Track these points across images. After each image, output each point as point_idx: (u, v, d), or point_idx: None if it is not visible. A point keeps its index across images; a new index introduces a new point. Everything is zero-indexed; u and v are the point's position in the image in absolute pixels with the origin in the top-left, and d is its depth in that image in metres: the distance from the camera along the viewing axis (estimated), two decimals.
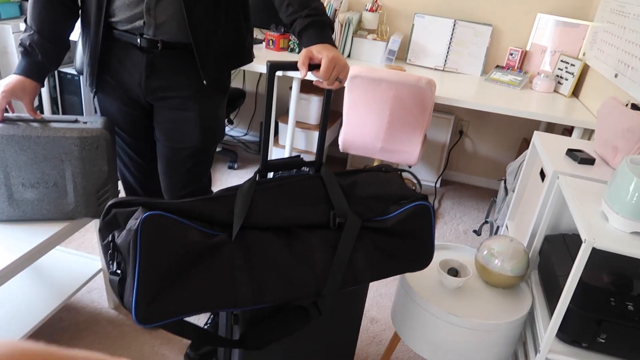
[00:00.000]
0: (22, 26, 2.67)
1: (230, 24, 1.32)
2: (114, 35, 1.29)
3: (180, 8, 1.23)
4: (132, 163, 1.53)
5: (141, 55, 1.29)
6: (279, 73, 2.49)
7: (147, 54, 1.29)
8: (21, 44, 1.27)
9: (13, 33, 2.69)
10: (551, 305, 1.27)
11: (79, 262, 1.70)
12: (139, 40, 1.26)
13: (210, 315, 1.72)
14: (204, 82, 1.32)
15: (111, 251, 0.92)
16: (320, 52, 1.07)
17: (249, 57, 1.45)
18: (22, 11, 2.85)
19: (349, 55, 2.85)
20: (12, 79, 1.25)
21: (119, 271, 0.91)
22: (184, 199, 0.98)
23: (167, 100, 1.36)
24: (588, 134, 2.23)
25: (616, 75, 2.06)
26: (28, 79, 1.27)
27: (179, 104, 1.36)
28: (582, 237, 1.05)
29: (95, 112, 1.47)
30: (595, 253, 1.19)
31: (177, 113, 1.37)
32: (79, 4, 1.32)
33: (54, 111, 2.91)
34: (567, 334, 1.17)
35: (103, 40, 1.29)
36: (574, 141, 1.69)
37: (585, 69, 2.52)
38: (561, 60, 2.61)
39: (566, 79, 2.57)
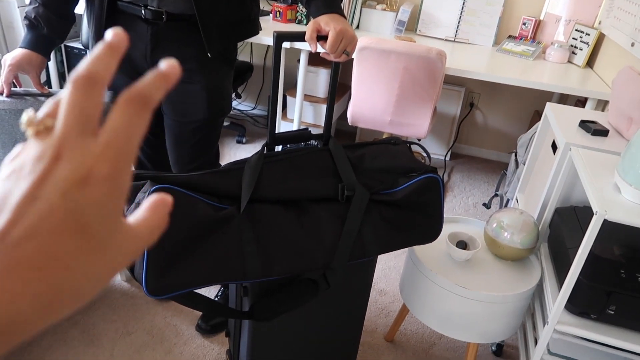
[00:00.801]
0: (27, 0, 2.66)
1: None
2: (118, 8, 1.27)
3: None
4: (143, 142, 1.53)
5: (146, 27, 1.28)
6: (286, 45, 2.45)
7: (152, 25, 1.27)
8: (26, 17, 1.26)
9: (18, 7, 2.67)
10: (560, 277, 1.27)
11: None
12: (143, 12, 1.25)
13: (221, 288, 1.74)
14: (209, 54, 1.31)
15: None
16: (328, 23, 1.05)
17: (255, 29, 1.43)
18: None
19: (357, 27, 2.79)
20: (18, 52, 1.25)
21: None
22: (192, 172, 0.98)
23: None
24: (602, 105, 2.18)
25: (633, 44, 2.00)
26: (34, 53, 1.26)
27: (185, 77, 1.35)
28: (594, 209, 1.04)
29: None
30: (607, 225, 1.18)
31: (183, 86, 1.36)
32: None
33: (62, 86, 2.90)
34: (576, 305, 1.17)
35: (107, 13, 1.27)
36: (587, 112, 1.66)
37: (600, 39, 2.45)
38: (576, 30, 2.54)
39: (580, 49, 2.50)
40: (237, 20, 1.35)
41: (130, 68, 1.37)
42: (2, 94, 1.25)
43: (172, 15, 1.26)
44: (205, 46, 1.30)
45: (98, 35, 1.31)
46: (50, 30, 1.27)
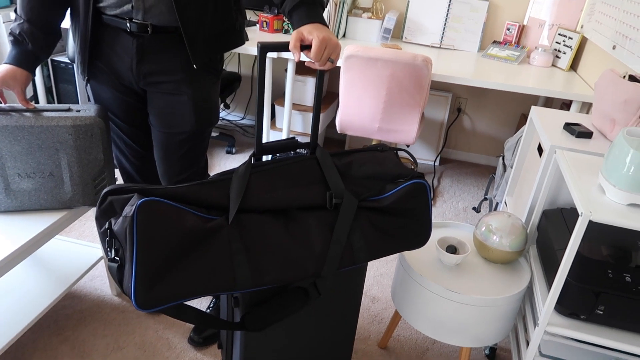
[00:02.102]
0: (13, 16, 2.65)
1: (219, 6, 1.30)
2: (103, 21, 1.28)
3: None
4: (128, 149, 1.53)
5: (131, 40, 1.28)
6: (273, 55, 2.46)
7: (137, 38, 1.27)
8: (11, 33, 1.26)
9: (4, 22, 2.66)
10: (550, 279, 1.28)
11: (79, 251, 1.71)
12: (128, 25, 1.25)
13: (213, 299, 1.73)
14: (194, 66, 1.31)
15: (108, 238, 0.92)
16: (311, 32, 1.06)
17: (240, 40, 1.43)
18: (12, 0, 2.81)
19: (344, 35, 2.81)
20: (3, 68, 1.24)
21: (117, 258, 0.91)
22: (181, 183, 0.98)
23: (159, 85, 1.35)
24: (587, 107, 2.21)
25: (614, 47, 2.03)
26: (19, 68, 1.26)
27: (171, 89, 1.35)
28: (579, 211, 1.05)
29: (89, 99, 1.46)
30: (593, 226, 1.20)
31: (170, 98, 1.36)
32: None
33: (49, 100, 2.89)
34: (566, 306, 1.18)
35: (93, 26, 1.27)
36: (572, 115, 1.68)
37: (583, 42, 2.49)
38: (559, 34, 2.58)
39: (564, 53, 2.54)
40: (222, 31, 1.35)
41: (116, 81, 1.37)
42: None
43: (157, 28, 1.26)
44: (190, 58, 1.30)
45: (83, 49, 1.31)
46: (35, 46, 1.27)
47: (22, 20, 1.26)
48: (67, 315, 1.69)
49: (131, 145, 1.52)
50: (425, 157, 3.10)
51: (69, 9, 1.32)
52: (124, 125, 1.47)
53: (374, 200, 1.10)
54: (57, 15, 1.31)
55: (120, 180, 1.63)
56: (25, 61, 1.27)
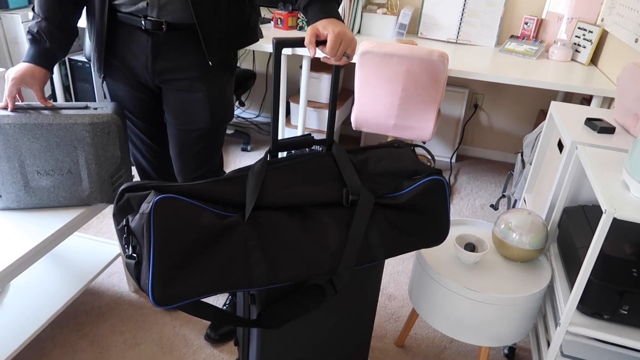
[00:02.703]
0: (31, 15, 2.69)
1: (233, 3, 1.30)
2: (118, 19, 1.28)
3: None
4: (145, 147, 1.54)
5: (146, 38, 1.28)
6: (288, 52, 2.45)
7: (152, 36, 1.28)
8: (29, 32, 1.27)
9: (22, 22, 2.70)
10: (571, 277, 1.25)
11: (97, 247, 1.73)
12: (143, 23, 1.25)
13: (229, 296, 1.74)
14: (210, 62, 1.31)
15: (126, 235, 0.93)
16: (326, 27, 1.04)
17: (254, 37, 1.43)
18: (30, 0, 2.85)
19: (359, 31, 2.79)
20: (21, 66, 1.26)
21: (134, 255, 0.92)
22: (197, 180, 0.98)
23: (174, 83, 1.35)
24: (608, 102, 2.16)
25: (637, 40, 1.98)
26: (37, 67, 1.27)
27: (186, 86, 1.35)
28: (603, 208, 1.03)
29: (105, 97, 1.47)
30: (616, 223, 1.17)
31: (185, 95, 1.36)
32: None
33: (67, 99, 2.93)
34: (588, 306, 1.16)
35: (108, 24, 1.28)
36: (593, 110, 1.65)
37: (603, 36, 2.43)
38: (578, 28, 2.53)
39: (584, 47, 2.49)
40: (237, 28, 1.35)
41: (132, 78, 1.37)
42: (6, 108, 1.26)
43: (171, 25, 1.26)
44: (205, 55, 1.30)
45: (99, 48, 1.32)
46: (52, 44, 1.28)
47: (39, 19, 1.27)
48: (86, 311, 1.71)
49: (147, 142, 1.52)
50: (441, 153, 3.07)
51: (85, 7, 1.33)
52: (139, 123, 1.47)
53: (391, 197, 1.08)
54: (74, 13, 1.31)
55: (137, 178, 1.64)
56: (44, 59, 1.28)
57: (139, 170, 1.62)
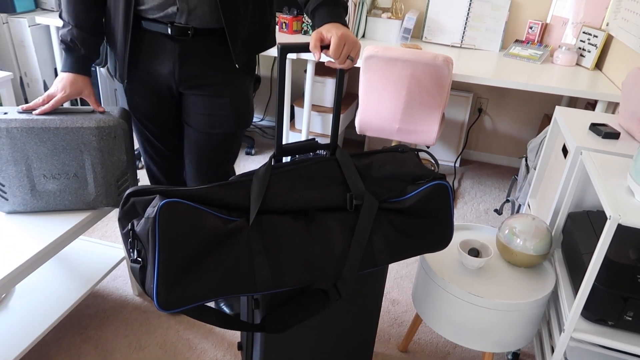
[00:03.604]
0: (39, 19, 2.71)
1: (257, 6, 1.32)
2: (142, 26, 1.28)
3: None
4: (156, 152, 1.53)
5: (172, 45, 1.28)
6: (293, 56, 2.46)
7: (178, 42, 1.28)
8: (62, 41, 1.29)
9: (29, 26, 2.72)
10: (575, 283, 1.25)
11: (102, 251, 1.74)
12: (169, 29, 1.25)
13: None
14: (236, 65, 1.32)
15: (131, 239, 0.93)
16: (329, 30, 1.05)
17: (273, 40, 1.45)
18: (37, 4, 2.87)
19: (363, 35, 2.80)
20: (65, 78, 1.30)
21: (139, 259, 0.92)
22: (212, 181, 0.99)
23: (200, 88, 1.36)
24: (612, 107, 2.16)
25: None
26: (79, 75, 1.31)
27: (211, 91, 1.36)
28: (607, 214, 1.02)
29: (117, 103, 1.48)
30: (621, 229, 1.16)
31: (210, 99, 1.38)
32: None
33: (73, 103, 2.95)
34: (593, 312, 1.15)
35: (132, 32, 1.27)
36: (598, 115, 1.64)
37: (608, 40, 2.43)
38: (583, 32, 2.52)
39: (589, 51, 2.48)
40: (259, 30, 1.37)
41: (154, 85, 1.37)
42: (32, 110, 1.28)
43: (198, 30, 1.27)
44: (232, 58, 1.31)
45: (122, 55, 1.30)
46: (87, 50, 1.30)
47: (70, 26, 1.28)
48: (90, 314, 1.72)
49: (160, 148, 1.52)
50: (445, 158, 3.07)
51: (105, 18, 1.33)
52: (156, 130, 1.47)
53: (395, 201, 1.08)
54: (101, 14, 1.32)
55: (142, 182, 1.65)
56: (82, 67, 1.32)
57: (150, 176, 1.63)
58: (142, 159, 1.54)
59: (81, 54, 1.30)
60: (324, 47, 1.06)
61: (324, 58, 2.12)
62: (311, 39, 1.05)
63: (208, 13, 1.25)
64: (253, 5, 1.31)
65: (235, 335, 1.67)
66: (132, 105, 1.43)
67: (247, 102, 1.45)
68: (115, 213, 2.24)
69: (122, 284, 1.87)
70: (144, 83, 1.37)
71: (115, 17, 1.28)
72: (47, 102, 1.29)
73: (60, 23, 1.32)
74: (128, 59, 1.31)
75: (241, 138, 1.51)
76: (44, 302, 1.50)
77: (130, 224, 0.94)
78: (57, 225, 1.33)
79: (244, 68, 1.37)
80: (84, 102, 2.94)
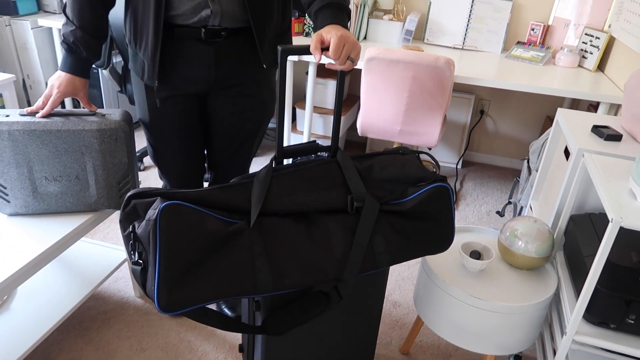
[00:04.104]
0: (41, 22, 2.72)
1: (281, 6, 1.33)
2: (172, 30, 1.26)
3: None
4: (175, 155, 1.49)
5: (207, 48, 1.27)
6: (294, 58, 2.47)
7: (212, 44, 1.27)
8: (64, 41, 1.27)
9: (32, 29, 2.73)
10: (577, 286, 1.24)
11: (104, 253, 1.74)
12: (202, 33, 1.24)
13: None
14: (264, 65, 1.34)
15: (132, 241, 0.93)
16: (329, 32, 1.05)
17: (290, 41, 1.46)
18: (40, 7, 2.88)
19: (365, 37, 2.80)
20: (62, 78, 1.29)
21: (140, 261, 0.92)
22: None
23: (231, 88, 1.37)
24: (615, 109, 2.15)
25: None
26: (77, 77, 1.31)
27: (241, 90, 1.38)
28: (609, 216, 1.02)
29: (119, 105, 1.48)
30: (623, 232, 1.16)
31: (240, 98, 1.39)
32: None
33: (75, 105, 2.95)
34: (595, 315, 1.15)
35: (163, 36, 1.24)
36: (600, 117, 1.64)
37: (611, 42, 2.43)
38: (585, 34, 2.52)
39: (591, 53, 2.48)
40: (283, 30, 1.39)
41: (183, 88, 1.35)
42: (36, 112, 1.28)
43: (230, 31, 1.27)
44: (259, 57, 1.32)
45: (153, 60, 1.26)
46: (89, 53, 1.29)
47: (74, 27, 1.26)
48: (92, 316, 1.72)
49: (178, 150, 1.48)
50: (447, 159, 3.06)
51: (129, 21, 1.30)
52: (179, 133, 1.43)
53: (396, 203, 1.08)
54: (107, 17, 1.32)
55: (144, 184, 1.64)
56: (81, 69, 1.31)
57: (166, 180, 1.59)
58: (152, 159, 1.53)
59: (82, 57, 1.29)
60: (324, 48, 1.06)
61: (325, 60, 2.13)
62: (312, 40, 1.05)
63: (239, 13, 1.26)
64: (278, 6, 1.32)
65: (237, 338, 1.67)
66: (156, 109, 1.38)
67: (273, 95, 1.49)
68: (116, 215, 2.24)
69: (124, 285, 1.87)
70: (174, 86, 1.34)
71: (144, 23, 1.24)
72: (46, 104, 1.29)
73: (63, 19, 1.30)
74: (159, 63, 1.28)
75: (267, 125, 1.55)
76: (45, 304, 1.50)
77: (131, 226, 0.94)
78: (59, 227, 1.33)
79: (270, 66, 1.39)
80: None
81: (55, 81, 1.30)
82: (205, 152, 1.57)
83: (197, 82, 1.34)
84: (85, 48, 1.28)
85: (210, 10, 1.23)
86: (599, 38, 2.44)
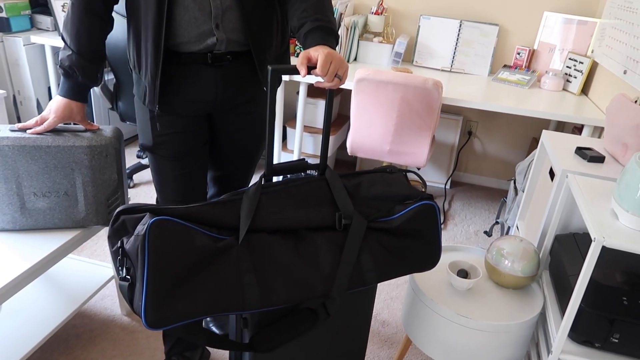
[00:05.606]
0: (33, 39, 2.74)
1: (280, 30, 1.35)
2: (179, 57, 1.25)
3: (240, 16, 1.24)
4: (176, 174, 1.45)
5: (212, 71, 1.28)
6: (285, 78, 2.50)
7: (218, 68, 1.28)
8: (61, 66, 1.27)
9: (24, 45, 2.74)
10: (563, 305, 1.26)
11: (91, 270, 1.73)
12: (209, 58, 1.25)
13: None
14: (264, 88, 1.36)
15: (120, 257, 0.93)
16: (317, 50, 1.07)
17: (289, 61, 1.48)
18: (33, 24, 2.90)
19: (355, 59, 2.85)
20: (60, 102, 1.30)
21: (128, 277, 0.92)
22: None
23: (235, 108, 1.38)
24: (598, 131, 2.20)
25: (625, 72, 2.04)
26: (73, 101, 1.31)
27: (245, 108, 1.39)
28: (592, 236, 1.04)
29: (109, 122, 1.49)
30: (606, 251, 1.18)
31: (243, 116, 1.40)
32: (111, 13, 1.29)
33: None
34: (580, 334, 1.16)
35: (163, 66, 1.24)
36: (584, 139, 1.68)
37: (594, 66, 2.50)
38: (569, 58, 2.59)
39: (575, 77, 2.55)
40: (282, 52, 1.41)
41: (187, 110, 1.33)
42: (26, 130, 1.29)
43: (235, 54, 1.28)
44: (260, 79, 1.33)
45: (153, 84, 1.25)
46: (85, 78, 1.29)
47: (70, 52, 1.25)
48: (77, 334, 1.69)
49: (177, 172, 1.44)
50: (436, 180, 3.09)
51: (131, 47, 1.29)
52: (177, 155, 1.40)
53: (383, 221, 1.10)
54: (104, 40, 1.30)
55: (133, 200, 1.64)
56: (78, 94, 1.31)
57: (163, 198, 1.53)
58: (158, 189, 1.47)
59: (79, 82, 1.29)
60: (312, 67, 1.08)
61: (312, 78, 2.16)
62: (299, 57, 1.07)
63: (241, 37, 1.27)
64: (277, 31, 1.34)
65: (224, 355, 1.66)
66: (156, 135, 1.35)
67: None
68: (104, 232, 2.22)
69: (110, 303, 1.85)
70: (177, 109, 1.32)
71: (145, 50, 1.23)
72: (41, 124, 1.29)
73: (57, 41, 1.30)
74: (159, 87, 1.26)
75: (260, 155, 1.58)
76: (30, 321, 1.48)
77: (119, 241, 0.94)
78: (46, 243, 1.33)
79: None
80: None
81: (53, 105, 1.31)
82: (209, 170, 1.57)
83: (202, 104, 1.33)
84: (82, 73, 1.27)
85: (215, 39, 1.23)
86: (582, 63, 2.51)
